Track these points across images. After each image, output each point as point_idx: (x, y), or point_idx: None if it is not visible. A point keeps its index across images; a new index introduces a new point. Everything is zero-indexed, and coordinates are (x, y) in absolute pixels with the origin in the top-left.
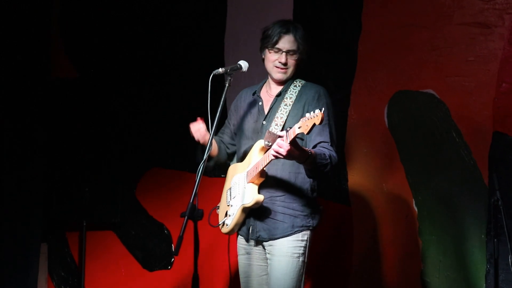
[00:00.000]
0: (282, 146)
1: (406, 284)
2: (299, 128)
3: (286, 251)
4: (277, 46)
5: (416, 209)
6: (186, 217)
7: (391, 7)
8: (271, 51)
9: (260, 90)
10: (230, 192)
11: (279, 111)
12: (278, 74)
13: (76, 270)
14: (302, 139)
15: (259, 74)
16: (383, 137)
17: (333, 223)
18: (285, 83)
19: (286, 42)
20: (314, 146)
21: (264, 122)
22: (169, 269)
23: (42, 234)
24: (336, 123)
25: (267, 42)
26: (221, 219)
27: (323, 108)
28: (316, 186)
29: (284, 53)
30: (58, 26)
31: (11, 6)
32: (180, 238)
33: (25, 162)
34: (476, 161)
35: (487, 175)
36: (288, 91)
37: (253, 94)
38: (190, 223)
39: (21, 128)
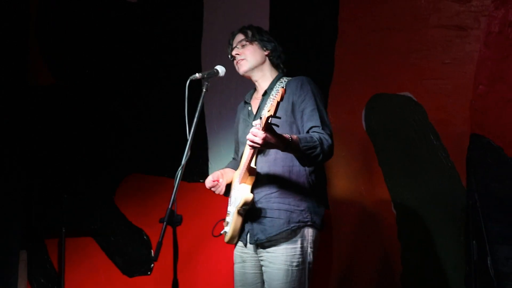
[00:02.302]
0: (257, 134)
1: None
2: (268, 111)
3: (284, 259)
4: (232, 47)
5: (395, 211)
6: (165, 222)
7: (367, 11)
8: (232, 57)
9: (250, 97)
10: (230, 200)
11: (265, 108)
12: (239, 68)
13: (56, 276)
14: (277, 126)
15: (236, 79)
16: (361, 140)
17: None
18: (271, 82)
19: (235, 39)
20: (307, 133)
21: (254, 123)
22: (149, 274)
23: (21, 241)
24: (326, 109)
25: (229, 51)
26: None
27: (284, 86)
28: (314, 180)
29: (235, 48)
30: (35, 33)
31: None
32: (159, 244)
33: (4, 169)
34: (454, 163)
35: (465, 177)
36: (274, 88)
37: (245, 102)
38: (169, 229)
39: None
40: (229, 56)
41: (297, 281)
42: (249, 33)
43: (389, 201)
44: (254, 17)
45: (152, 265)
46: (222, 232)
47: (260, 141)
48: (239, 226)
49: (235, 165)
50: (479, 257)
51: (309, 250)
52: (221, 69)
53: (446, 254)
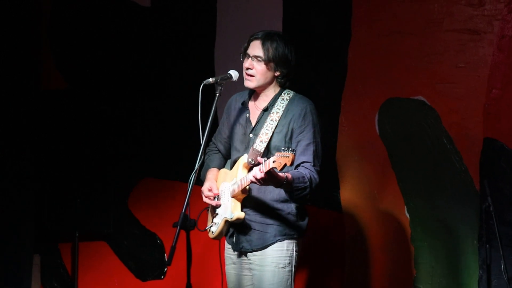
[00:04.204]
0: (260, 176)
1: None
2: (273, 162)
3: (271, 261)
4: (247, 51)
5: (408, 215)
6: (178, 227)
7: (380, 14)
8: (244, 57)
9: (249, 100)
10: (220, 200)
11: (265, 126)
12: (245, 81)
13: (69, 280)
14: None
15: None
16: (374, 144)
17: (325, 230)
18: (272, 97)
19: (253, 47)
20: (298, 166)
21: (251, 135)
22: (162, 279)
23: (34, 245)
24: (323, 139)
25: (242, 49)
26: (209, 224)
27: (294, 150)
28: None
29: (249, 58)
30: (48, 37)
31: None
32: (173, 248)
33: (16, 173)
34: (467, 167)
35: (478, 181)
36: (275, 106)
37: (242, 103)
38: (183, 233)
39: (11, 139)
40: (241, 55)
41: (284, 283)
42: (270, 52)
43: (402, 205)
44: (268, 21)
45: (166, 269)
46: (207, 228)
47: (261, 182)
48: (225, 230)
49: (220, 161)
50: (492, 261)
51: (294, 253)
52: (234, 74)
53: (459, 258)
